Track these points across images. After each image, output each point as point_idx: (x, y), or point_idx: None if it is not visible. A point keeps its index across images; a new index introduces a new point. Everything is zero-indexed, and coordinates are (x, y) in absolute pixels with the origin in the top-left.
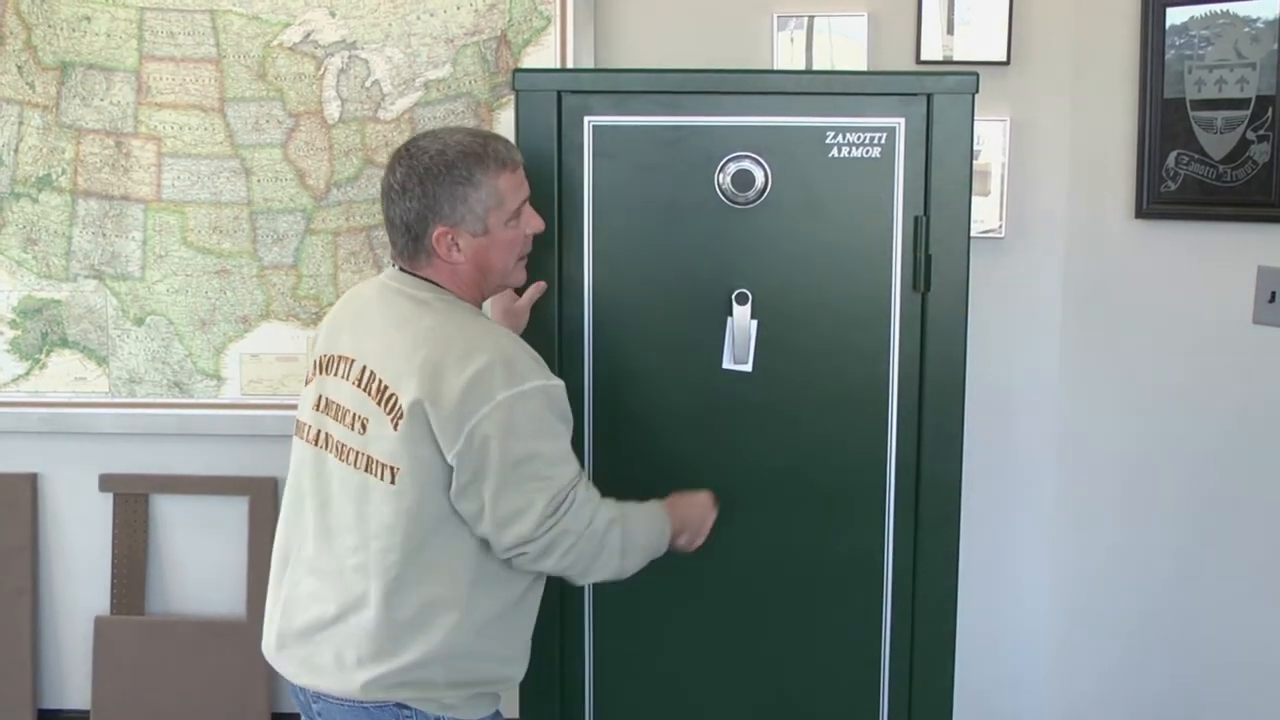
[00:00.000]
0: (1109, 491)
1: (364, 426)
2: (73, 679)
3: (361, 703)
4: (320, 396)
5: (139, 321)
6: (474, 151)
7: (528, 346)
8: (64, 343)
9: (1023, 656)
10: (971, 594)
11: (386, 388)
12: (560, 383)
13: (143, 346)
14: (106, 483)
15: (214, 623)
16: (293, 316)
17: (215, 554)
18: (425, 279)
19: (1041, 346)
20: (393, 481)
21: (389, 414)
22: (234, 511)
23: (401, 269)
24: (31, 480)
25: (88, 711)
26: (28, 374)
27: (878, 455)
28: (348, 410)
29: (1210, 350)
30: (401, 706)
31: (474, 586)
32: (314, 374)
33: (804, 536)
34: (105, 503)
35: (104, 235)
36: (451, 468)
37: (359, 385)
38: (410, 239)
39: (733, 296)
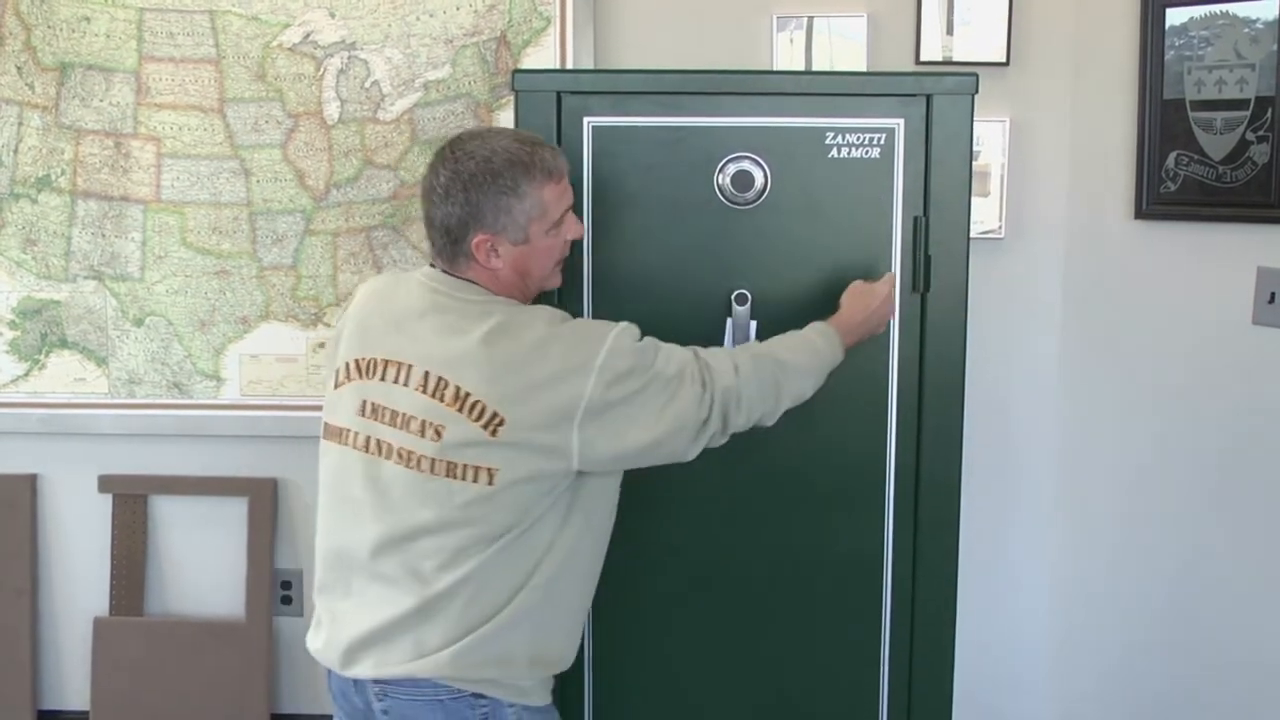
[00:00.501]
0: (1108, 492)
1: (438, 433)
2: (72, 680)
3: (439, 689)
4: (364, 401)
5: (138, 322)
6: (521, 161)
7: (570, 317)
8: (63, 343)
9: (1022, 656)
10: (971, 594)
11: (468, 395)
12: (623, 324)
13: (142, 347)
14: (106, 483)
15: (213, 624)
16: (292, 317)
17: (214, 555)
18: (468, 280)
19: (1041, 347)
20: (490, 482)
21: (478, 421)
22: (233, 512)
23: (444, 270)
24: (31, 481)
25: (87, 712)
26: (27, 375)
27: (877, 455)
28: (412, 416)
29: (1210, 351)
30: (478, 696)
31: (554, 568)
32: (347, 377)
33: (804, 537)
34: (104, 503)
35: (103, 236)
36: (576, 471)
37: (425, 391)
38: (449, 242)
39: (732, 297)
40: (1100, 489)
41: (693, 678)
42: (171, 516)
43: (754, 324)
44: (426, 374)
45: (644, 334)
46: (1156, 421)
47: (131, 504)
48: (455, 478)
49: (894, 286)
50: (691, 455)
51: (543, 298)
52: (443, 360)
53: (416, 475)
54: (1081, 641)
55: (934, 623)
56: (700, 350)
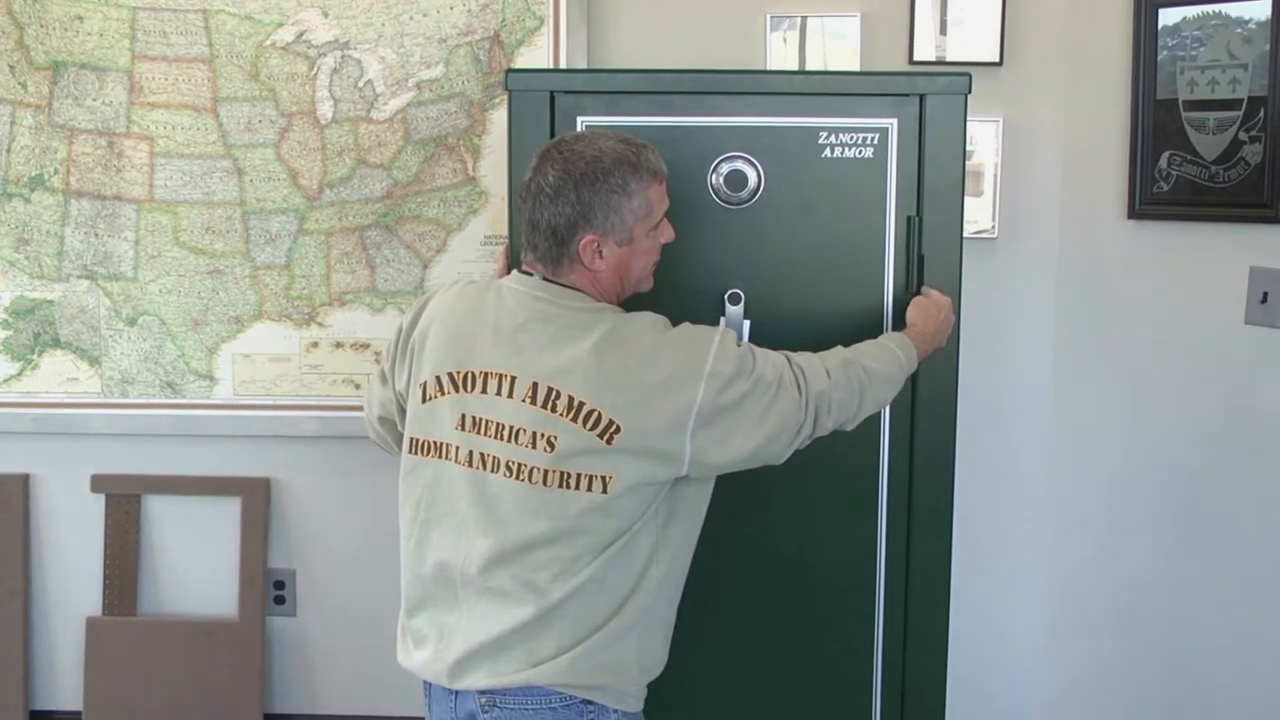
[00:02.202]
0: (1101, 489)
1: (551, 444)
2: (64, 680)
3: (550, 696)
4: (464, 415)
5: (131, 322)
6: (629, 160)
7: (670, 324)
8: (56, 343)
9: (1015, 653)
10: (963, 591)
11: (582, 404)
12: (722, 328)
13: (135, 347)
14: (98, 483)
15: (206, 623)
16: (285, 317)
17: (207, 555)
18: (567, 286)
19: (1034, 346)
20: (604, 490)
21: (593, 430)
22: (226, 512)
23: (544, 278)
24: (23, 481)
25: (79, 712)
26: (19, 374)
27: (871, 454)
28: (520, 428)
29: (1202, 351)
30: (587, 703)
31: (662, 571)
32: (440, 391)
33: (798, 536)
34: (97, 503)
35: (96, 235)
36: (684, 475)
37: (534, 403)
38: (555, 243)
39: (725, 296)
40: (1092, 486)
41: (689, 676)
42: (164, 516)
43: (747, 323)
44: (535, 385)
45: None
46: (1149, 420)
47: (124, 504)
48: (569, 488)
49: (951, 301)
50: (784, 459)
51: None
52: (552, 370)
53: (528, 487)
54: (1073, 638)
55: (928, 621)
56: (791, 355)
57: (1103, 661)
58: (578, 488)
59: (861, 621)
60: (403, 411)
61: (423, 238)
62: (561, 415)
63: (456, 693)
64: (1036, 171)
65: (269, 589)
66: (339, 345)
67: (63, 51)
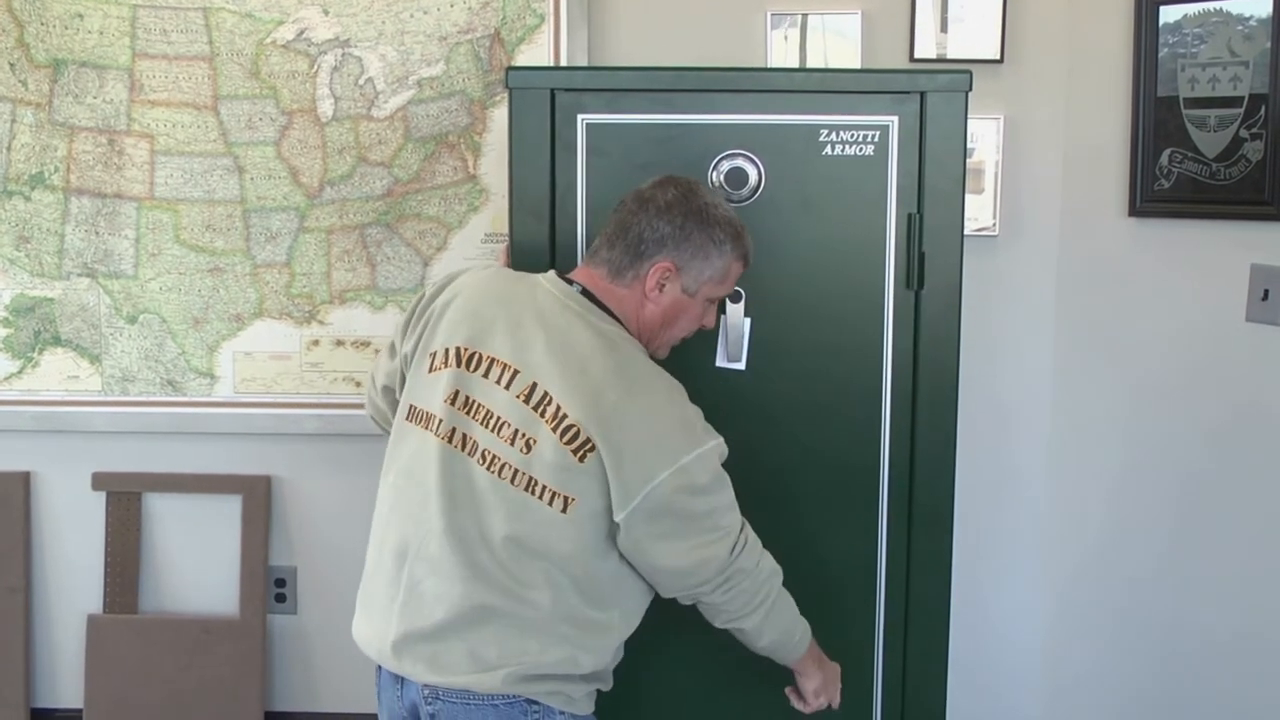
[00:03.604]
0: (1101, 486)
1: (528, 446)
2: (65, 677)
3: (494, 696)
4: (458, 392)
5: (132, 320)
6: (736, 228)
7: (687, 397)
8: (56, 341)
9: (1015, 651)
10: (963, 590)
11: (566, 416)
12: (719, 441)
13: (135, 345)
14: (99, 481)
15: (207, 621)
16: (286, 315)
17: (208, 552)
18: (606, 309)
19: (1035, 343)
20: (564, 510)
21: (569, 445)
22: (227, 510)
23: (584, 290)
24: (24, 479)
25: (80, 710)
26: (20, 372)
27: (871, 452)
28: (506, 421)
29: (1203, 348)
30: (531, 702)
31: (619, 592)
32: (445, 363)
33: (797, 535)
34: (98, 501)
35: (97, 233)
36: (616, 523)
37: (526, 401)
38: (633, 255)
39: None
40: (1093, 483)
41: (687, 674)
42: (165, 514)
43: (748, 321)
44: (534, 385)
45: None
46: (1149, 417)
47: (125, 501)
48: (534, 495)
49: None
50: (668, 595)
51: None
52: (552, 375)
53: (496, 481)
54: (1073, 637)
55: (928, 620)
56: (748, 527)
57: (1102, 660)
58: (541, 498)
59: (862, 620)
60: (404, 380)
61: (423, 235)
62: (547, 421)
63: (402, 681)
64: (1037, 169)
65: (270, 587)
66: (340, 343)
67: (63, 49)
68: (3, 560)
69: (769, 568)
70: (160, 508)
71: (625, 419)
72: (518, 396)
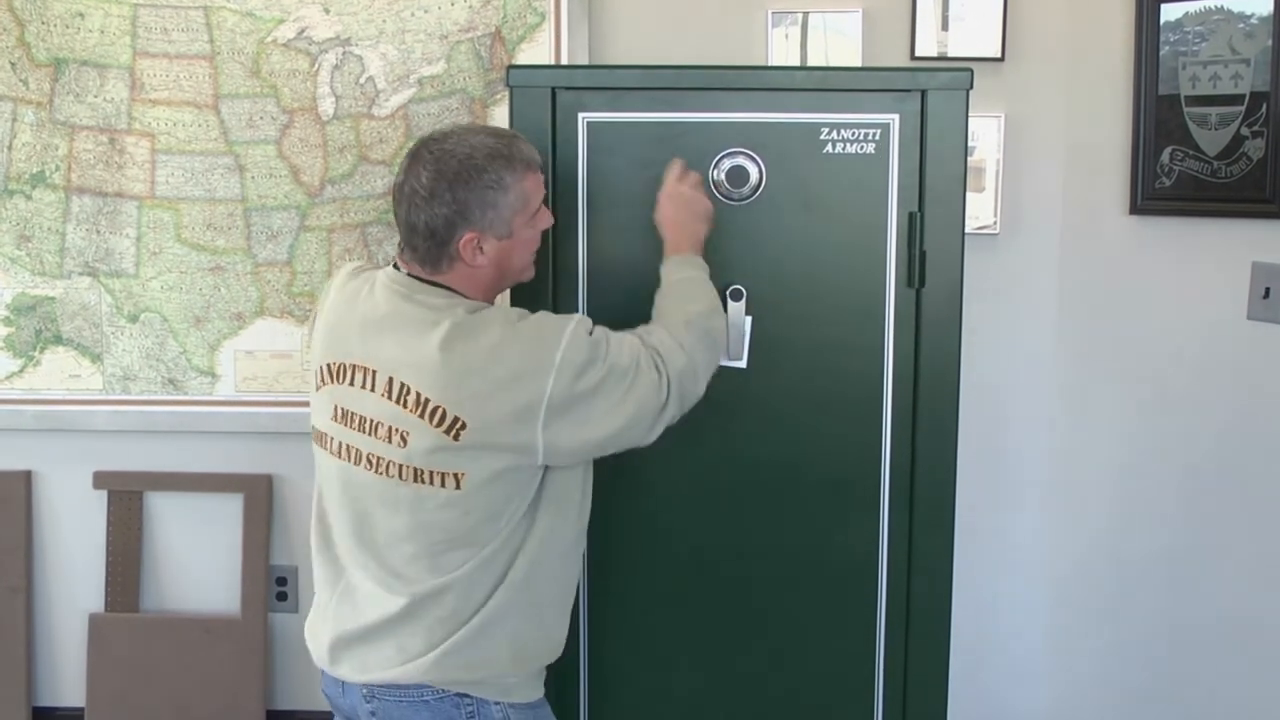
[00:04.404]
0: (1103, 484)
1: (404, 439)
2: (67, 676)
3: (424, 690)
4: (336, 407)
5: (133, 319)
6: (501, 154)
7: (527, 314)
8: (58, 340)
9: (1017, 649)
10: (965, 588)
11: (428, 401)
12: (577, 317)
13: (137, 344)
14: (101, 480)
15: (208, 620)
16: (287, 313)
17: (210, 551)
18: (434, 284)
19: (1036, 342)
20: (458, 486)
21: (439, 427)
22: (228, 508)
23: (410, 274)
24: (26, 478)
25: (82, 709)
26: (21, 371)
27: (872, 450)
28: (379, 423)
29: (1205, 346)
30: (463, 696)
31: (528, 565)
32: (323, 381)
33: (799, 532)
34: (100, 500)
35: (98, 232)
36: (542, 466)
37: (390, 397)
38: (434, 245)
39: (727, 293)
40: (1095, 481)
41: (689, 674)
42: (166, 513)
43: (749, 319)
44: (390, 380)
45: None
46: (1151, 416)
47: (126, 500)
48: (424, 483)
49: (678, 174)
50: (651, 440)
51: (537, 298)
52: (404, 365)
53: (386, 481)
54: (1077, 633)
55: (930, 618)
56: (644, 334)
57: (1104, 659)
58: (432, 483)
59: (863, 619)
60: None
61: None
62: (412, 411)
63: (344, 683)
64: (1038, 167)
65: (271, 585)
66: None
67: (64, 48)
68: (4, 559)
69: (684, 332)
70: (161, 507)
71: (481, 372)
72: (383, 395)
